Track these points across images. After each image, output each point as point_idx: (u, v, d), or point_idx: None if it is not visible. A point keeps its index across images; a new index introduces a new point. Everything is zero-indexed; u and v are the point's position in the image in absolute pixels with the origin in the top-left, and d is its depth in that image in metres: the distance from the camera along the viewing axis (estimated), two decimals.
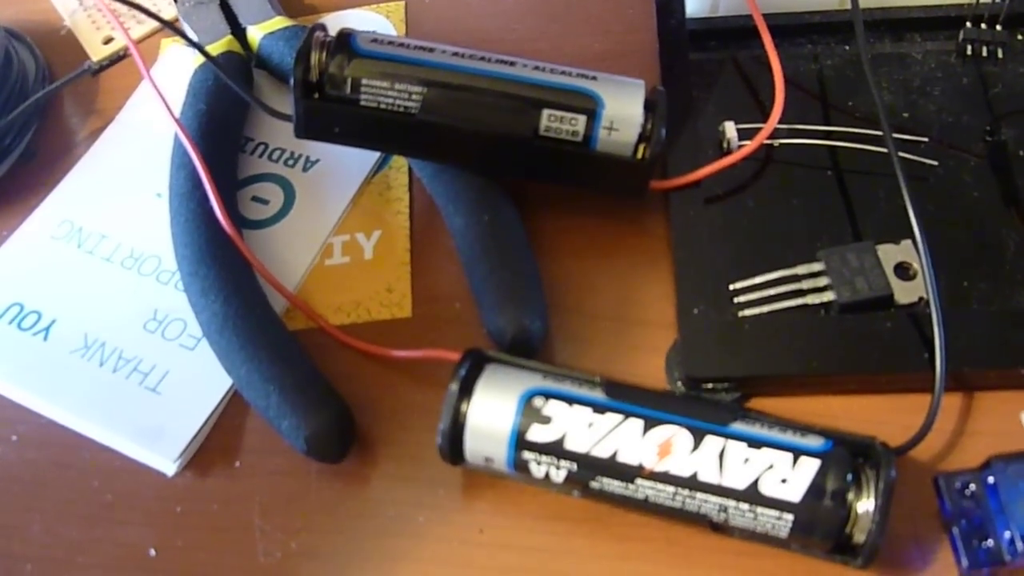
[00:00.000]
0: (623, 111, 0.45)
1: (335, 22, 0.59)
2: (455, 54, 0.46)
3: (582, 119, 0.45)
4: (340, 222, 0.52)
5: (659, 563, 0.42)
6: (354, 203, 0.52)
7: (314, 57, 0.46)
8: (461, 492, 0.44)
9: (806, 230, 0.47)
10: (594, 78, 0.46)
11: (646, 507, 0.40)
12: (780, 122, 0.48)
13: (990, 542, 0.36)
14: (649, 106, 0.46)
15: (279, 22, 0.55)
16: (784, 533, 0.38)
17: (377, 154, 0.53)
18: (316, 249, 0.51)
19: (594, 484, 0.40)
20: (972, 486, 0.37)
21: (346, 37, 0.46)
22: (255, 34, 0.55)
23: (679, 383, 0.45)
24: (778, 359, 0.44)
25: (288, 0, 0.60)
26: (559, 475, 0.40)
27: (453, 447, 0.41)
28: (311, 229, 0.51)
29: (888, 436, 0.41)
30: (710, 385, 0.44)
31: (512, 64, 0.46)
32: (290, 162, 0.54)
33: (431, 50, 0.46)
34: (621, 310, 0.48)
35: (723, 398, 0.44)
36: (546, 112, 0.45)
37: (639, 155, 0.46)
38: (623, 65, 0.53)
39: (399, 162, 0.53)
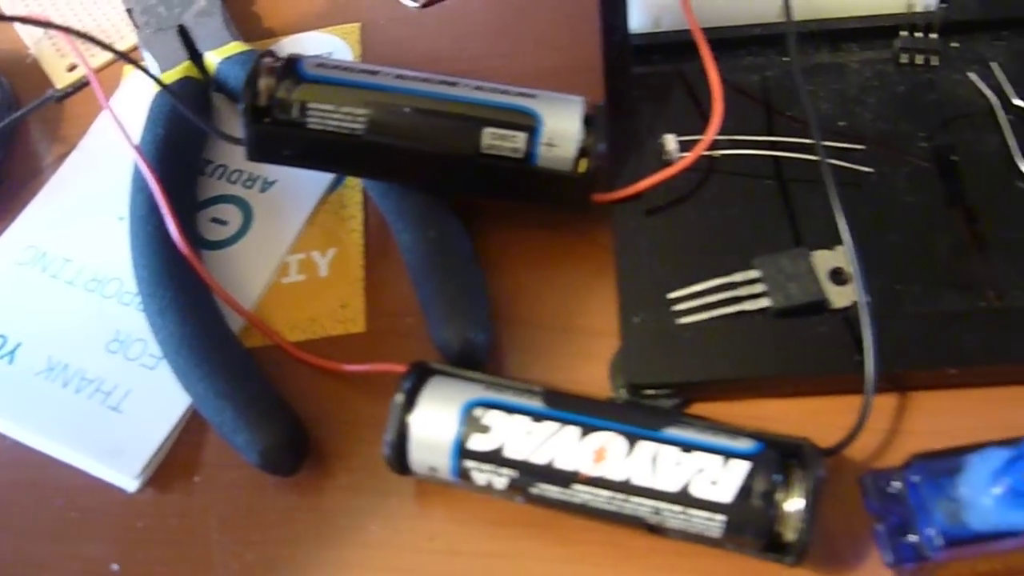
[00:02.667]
0: (561, 127, 0.47)
1: (291, 45, 0.61)
2: (398, 76, 0.48)
3: (522, 136, 0.47)
4: (296, 241, 0.53)
5: (601, 565, 0.44)
6: (310, 222, 0.54)
7: (262, 83, 0.47)
8: (412, 501, 0.46)
9: (744, 238, 0.48)
10: (533, 96, 0.48)
11: (584, 511, 0.41)
12: (721, 133, 0.50)
13: (912, 538, 0.38)
14: (588, 121, 0.48)
15: (235, 47, 0.56)
16: (717, 533, 0.40)
17: (333, 174, 0.54)
18: (273, 268, 0.52)
19: (534, 490, 0.41)
20: (895, 484, 0.39)
21: (293, 63, 0.48)
22: (212, 59, 0.56)
23: (622, 390, 0.46)
24: (715, 365, 0.45)
25: (247, 25, 0.62)
26: (500, 482, 0.41)
27: (399, 457, 0.42)
28: (268, 248, 0.53)
29: (823, 437, 0.42)
30: (651, 392, 0.45)
31: (454, 85, 0.47)
32: (248, 183, 0.55)
33: (375, 73, 0.48)
34: (567, 320, 0.49)
35: (664, 404, 0.45)
36: (487, 131, 0.47)
37: (579, 169, 0.47)
38: (570, 80, 0.54)
39: (353, 181, 0.54)
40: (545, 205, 0.49)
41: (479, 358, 0.45)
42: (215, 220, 0.54)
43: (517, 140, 0.47)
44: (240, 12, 0.62)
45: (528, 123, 0.47)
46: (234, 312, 0.49)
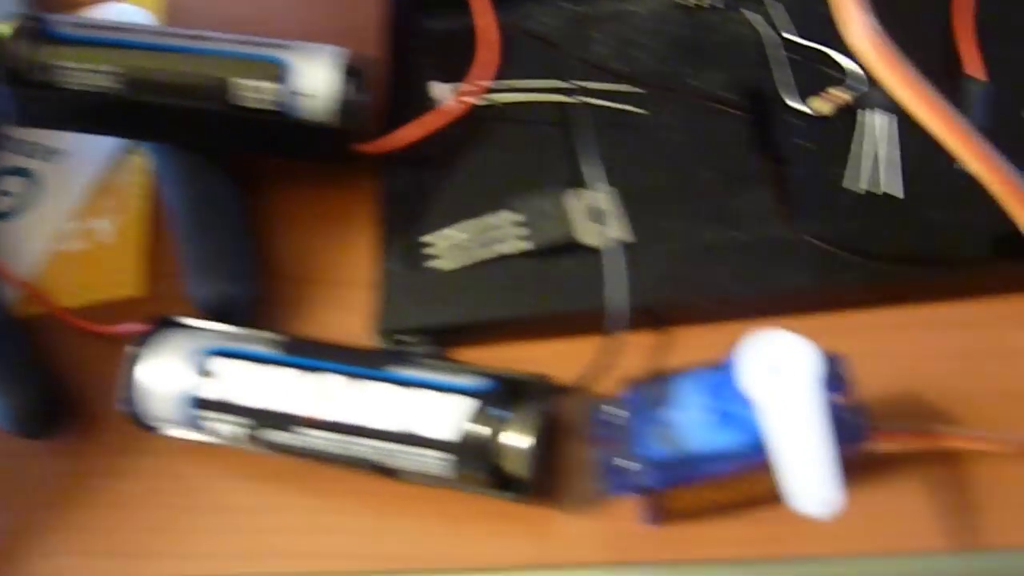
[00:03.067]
0: (316, 78, 0.46)
1: (95, 13, 0.60)
2: (152, 33, 0.48)
3: (272, 87, 0.46)
4: (80, 209, 0.53)
5: (355, 514, 0.43)
6: (96, 190, 0.53)
7: (19, 47, 0.47)
8: (168, 459, 0.45)
9: (513, 182, 0.48)
10: (288, 47, 0.47)
11: (318, 456, 0.41)
12: (500, 79, 0.50)
13: (628, 464, 0.37)
14: (349, 72, 0.47)
15: None
16: (445, 472, 0.39)
17: (120, 140, 0.54)
18: (54, 237, 0.52)
19: (266, 437, 0.41)
20: (613, 412, 0.38)
21: (45, 24, 0.47)
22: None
23: (382, 339, 0.45)
24: (471, 307, 0.45)
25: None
26: (233, 430, 0.41)
27: (133, 410, 0.42)
28: (51, 217, 0.52)
29: (583, 375, 0.42)
30: (408, 338, 0.45)
31: (205, 39, 0.47)
32: (33, 154, 0.54)
33: (129, 31, 0.47)
34: (336, 274, 0.49)
35: (422, 350, 0.45)
36: (235, 82, 0.46)
37: (339, 121, 0.46)
38: (361, 37, 0.53)
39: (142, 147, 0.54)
40: (307, 159, 0.49)
41: (239, 313, 0.45)
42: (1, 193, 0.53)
43: (268, 91, 0.46)
44: None
45: (279, 74, 0.46)
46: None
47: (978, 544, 0.40)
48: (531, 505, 0.41)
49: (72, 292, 0.50)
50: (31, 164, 0.54)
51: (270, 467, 0.43)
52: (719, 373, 0.36)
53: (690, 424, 0.36)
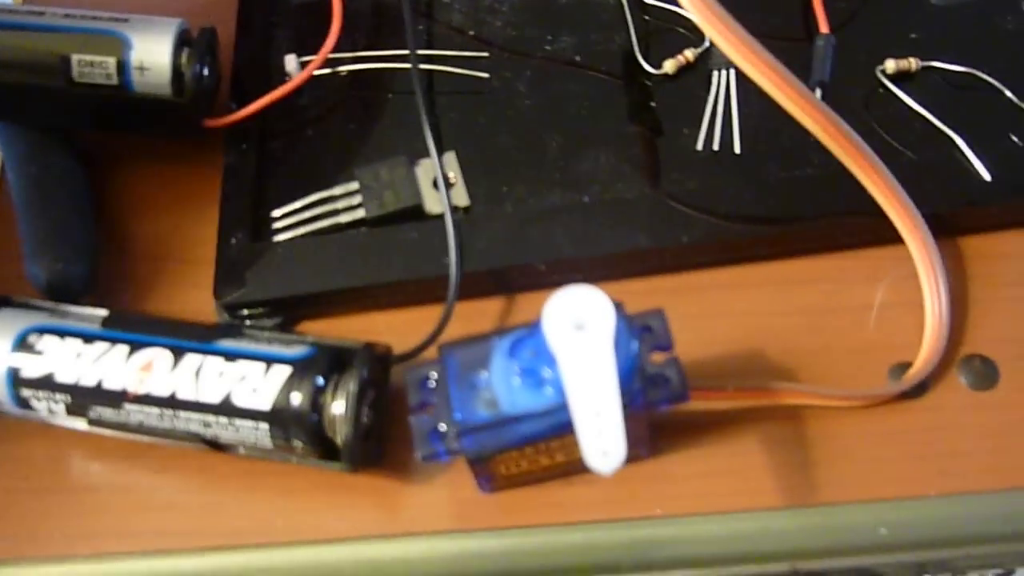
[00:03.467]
0: (152, 51, 0.46)
1: None
2: None
3: (111, 61, 0.45)
4: None
5: (195, 491, 0.43)
6: None
7: None
8: (8, 442, 0.44)
9: (358, 153, 0.48)
10: (125, 20, 0.46)
11: (146, 431, 0.40)
12: (349, 50, 0.49)
13: (442, 427, 0.37)
14: (188, 43, 0.46)
15: None
16: (267, 442, 0.39)
17: None
18: None
19: (93, 414, 0.40)
20: (433, 376, 0.38)
21: None
22: None
23: (223, 314, 0.45)
24: (308, 279, 0.44)
25: None
26: (58, 408, 0.40)
27: None
28: None
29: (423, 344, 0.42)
30: (248, 312, 0.44)
31: (41, 14, 0.46)
32: None
33: None
34: (182, 251, 0.48)
35: (263, 324, 0.44)
36: (75, 58, 0.45)
37: (177, 94, 0.46)
38: (210, 12, 0.52)
39: None
40: (155, 133, 0.48)
41: (73, 291, 0.44)
42: None
43: (107, 66, 0.45)
44: None
45: (116, 48, 0.45)
46: None
47: (816, 500, 0.40)
48: (371, 476, 0.40)
49: None
50: None
51: (110, 446, 0.43)
52: (530, 333, 0.35)
53: (506, 385, 0.35)
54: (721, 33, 0.38)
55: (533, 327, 0.35)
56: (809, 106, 0.40)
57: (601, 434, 0.32)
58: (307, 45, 0.50)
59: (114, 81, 0.46)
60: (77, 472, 0.43)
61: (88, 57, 0.45)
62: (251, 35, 0.51)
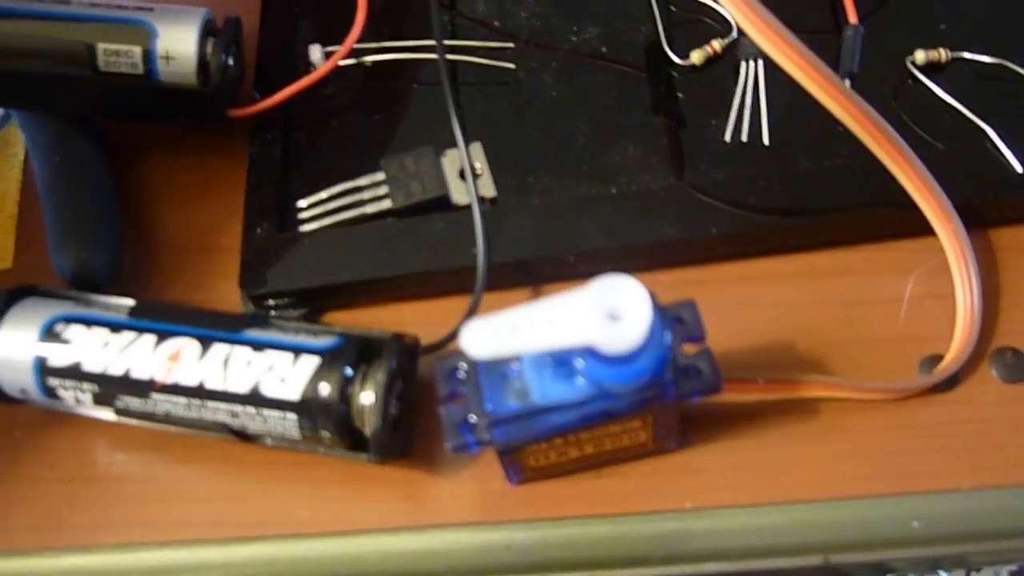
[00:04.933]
0: (177, 40, 0.45)
1: None
2: None
3: (138, 50, 0.45)
4: None
5: (216, 481, 0.43)
6: None
7: None
8: (36, 432, 0.44)
9: (385, 144, 0.47)
10: (151, 10, 0.46)
11: (173, 421, 0.40)
12: (373, 40, 0.49)
13: (472, 418, 0.36)
14: (213, 33, 0.46)
15: None
16: (295, 433, 0.38)
17: None
18: None
19: (119, 403, 0.40)
20: (463, 366, 0.37)
21: None
22: None
23: (249, 304, 0.44)
24: (334, 269, 0.44)
25: None
26: (85, 398, 0.40)
27: None
28: None
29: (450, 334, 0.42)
30: (274, 302, 0.44)
31: (67, 3, 0.46)
32: None
33: None
34: (208, 241, 0.48)
35: (289, 314, 0.44)
36: (101, 47, 0.45)
37: (203, 84, 0.46)
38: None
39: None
40: (179, 122, 0.48)
41: (99, 280, 0.44)
42: None
43: (134, 55, 0.45)
44: None
45: (143, 37, 0.45)
46: None
47: (847, 493, 0.39)
48: (398, 467, 0.40)
49: None
50: None
51: (136, 436, 0.42)
52: None
53: (537, 376, 0.35)
54: (754, 23, 0.38)
55: None
56: (840, 95, 0.39)
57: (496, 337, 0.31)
58: (331, 34, 0.50)
59: (140, 70, 0.45)
60: (102, 462, 0.43)
61: (114, 46, 0.45)
62: (275, 24, 0.51)
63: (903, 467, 0.39)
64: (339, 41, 0.48)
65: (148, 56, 0.45)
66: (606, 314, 0.33)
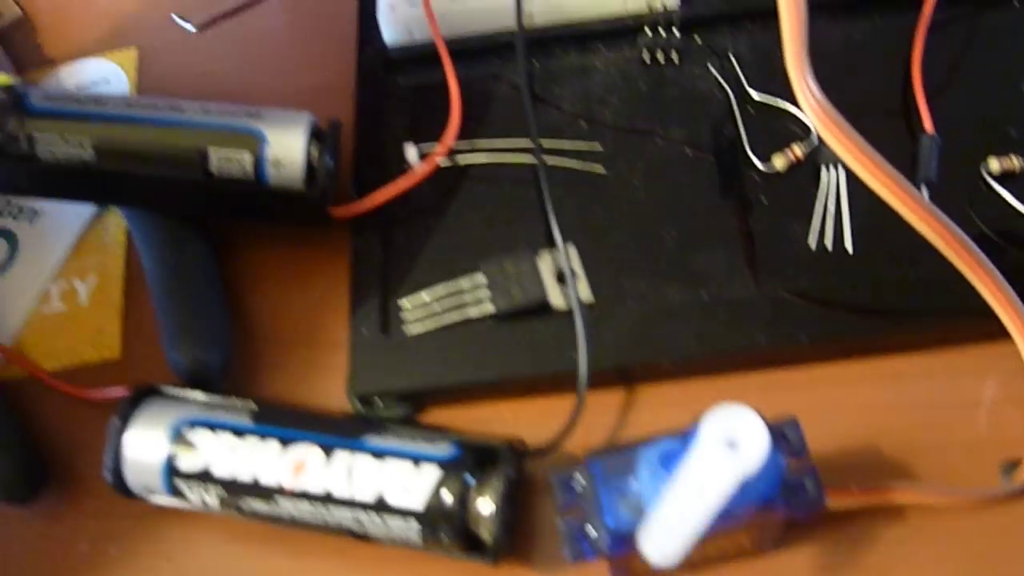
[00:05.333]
0: (286, 147, 0.48)
1: (70, 72, 0.61)
2: (127, 104, 0.48)
3: (248, 157, 0.47)
4: (59, 270, 0.54)
5: (334, 575, 0.44)
6: (74, 250, 0.54)
7: None
8: (150, 523, 0.46)
9: (480, 244, 0.49)
10: (259, 116, 0.48)
11: (295, 524, 0.42)
12: (466, 139, 0.51)
13: (590, 532, 0.38)
14: (319, 137, 0.48)
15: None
16: (416, 538, 0.40)
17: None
18: (34, 298, 0.53)
19: (244, 506, 0.42)
20: (577, 479, 0.39)
21: (19, 97, 0.48)
22: None
23: (355, 402, 0.46)
24: (440, 371, 0.46)
25: (27, 54, 0.62)
26: (212, 500, 0.42)
27: (118, 480, 0.43)
28: (31, 279, 0.53)
29: (553, 436, 0.44)
30: (379, 402, 0.46)
31: (180, 110, 0.48)
32: (15, 215, 0.55)
33: (103, 102, 0.48)
34: (312, 335, 0.50)
35: (395, 414, 0.46)
36: (213, 152, 0.47)
37: (309, 186, 0.48)
38: (329, 98, 0.55)
39: (118, 209, 0.55)
40: (284, 224, 0.50)
41: (212, 377, 0.46)
42: None
43: (244, 161, 0.47)
44: (21, 41, 0.63)
45: (253, 143, 0.47)
46: None
47: None
48: (508, 565, 0.42)
49: (51, 354, 0.51)
50: (10, 225, 0.55)
51: (250, 531, 0.44)
52: (679, 443, 0.37)
53: (653, 494, 0.37)
54: (834, 134, 0.40)
55: (683, 439, 0.37)
56: (918, 207, 0.41)
57: (672, 536, 0.33)
58: (421, 129, 0.52)
59: (250, 176, 0.48)
60: (218, 556, 0.45)
61: (226, 152, 0.47)
62: (368, 121, 0.53)
63: (989, 572, 0.41)
64: (429, 135, 0.51)
65: (258, 162, 0.47)
66: (725, 443, 0.35)
